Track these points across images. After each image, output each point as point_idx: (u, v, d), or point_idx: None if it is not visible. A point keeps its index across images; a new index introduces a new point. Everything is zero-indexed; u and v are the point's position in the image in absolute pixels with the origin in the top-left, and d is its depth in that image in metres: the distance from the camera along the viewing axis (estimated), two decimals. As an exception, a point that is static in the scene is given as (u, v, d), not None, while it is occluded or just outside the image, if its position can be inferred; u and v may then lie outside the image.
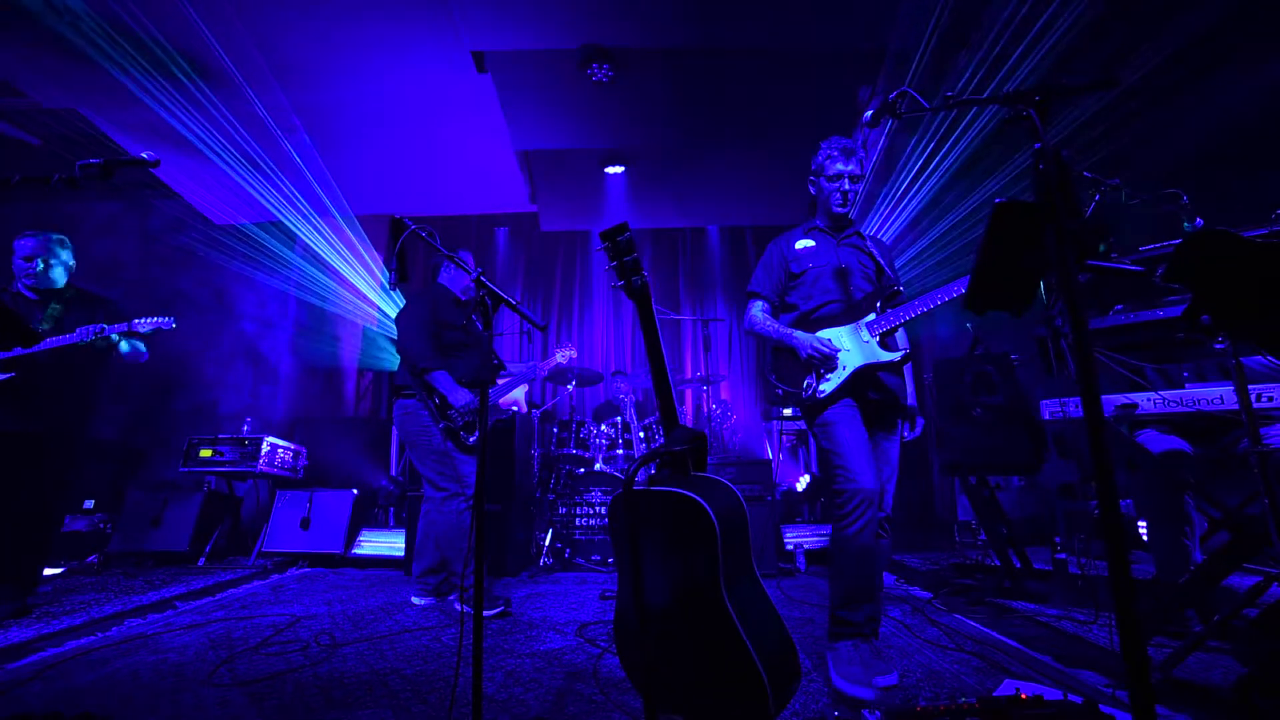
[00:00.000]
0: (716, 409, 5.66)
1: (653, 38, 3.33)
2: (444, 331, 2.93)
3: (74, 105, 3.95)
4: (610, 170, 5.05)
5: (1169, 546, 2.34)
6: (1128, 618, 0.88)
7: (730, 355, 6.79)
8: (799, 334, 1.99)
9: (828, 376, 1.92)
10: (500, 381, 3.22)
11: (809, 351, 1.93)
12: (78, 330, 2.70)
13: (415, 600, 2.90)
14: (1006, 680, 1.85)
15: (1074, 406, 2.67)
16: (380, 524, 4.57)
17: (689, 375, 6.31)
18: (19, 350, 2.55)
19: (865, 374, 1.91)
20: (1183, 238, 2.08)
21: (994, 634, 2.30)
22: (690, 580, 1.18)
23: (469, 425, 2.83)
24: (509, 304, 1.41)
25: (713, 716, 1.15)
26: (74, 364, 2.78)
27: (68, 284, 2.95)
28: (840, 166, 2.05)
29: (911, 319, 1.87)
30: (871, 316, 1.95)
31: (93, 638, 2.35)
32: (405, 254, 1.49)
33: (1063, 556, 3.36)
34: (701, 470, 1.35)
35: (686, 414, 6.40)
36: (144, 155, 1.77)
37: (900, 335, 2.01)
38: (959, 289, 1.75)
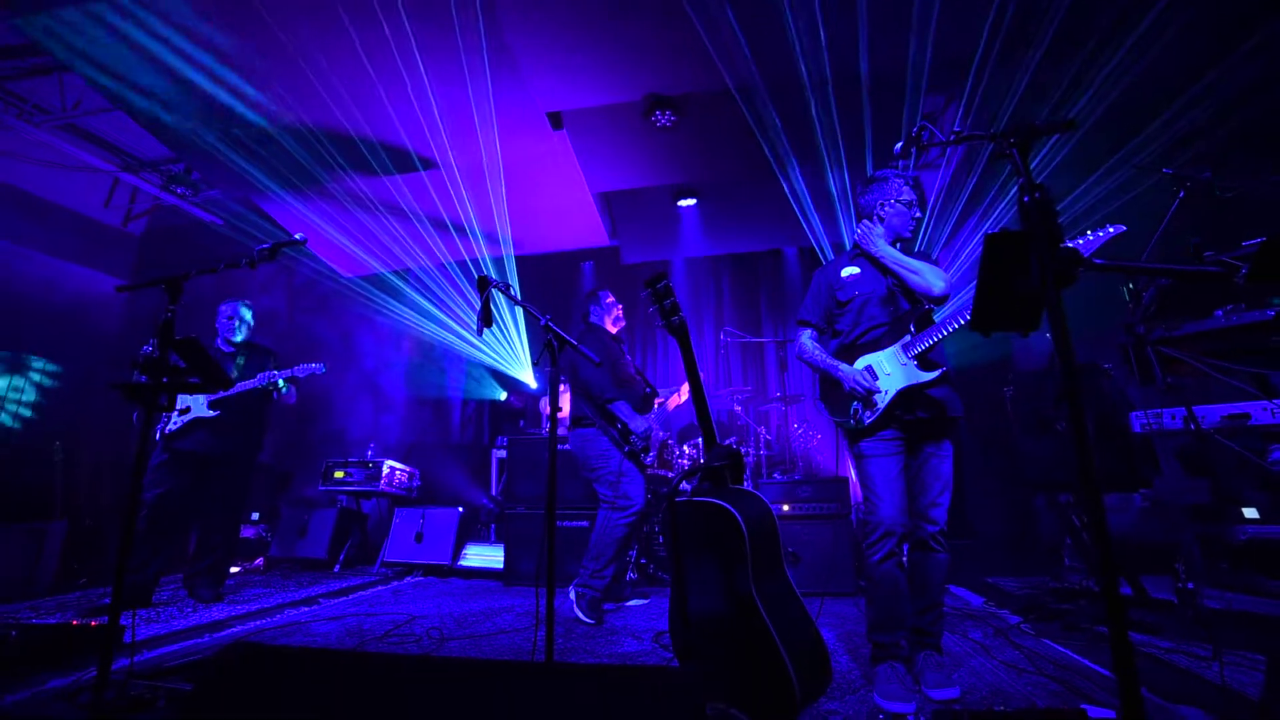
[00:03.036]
0: (798, 428, 5.65)
1: (705, 83, 3.59)
2: (617, 366, 3.24)
3: (247, 195, 4.89)
4: (683, 203, 5.33)
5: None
6: (1119, 631, 0.94)
7: (814, 375, 6.71)
8: (843, 367, 2.07)
9: (875, 403, 1.99)
10: (656, 407, 3.52)
11: (850, 385, 2.02)
12: (258, 376, 3.38)
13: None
14: (1084, 705, 1.79)
15: (1170, 418, 2.50)
16: (482, 539, 5.03)
17: (772, 395, 6.33)
18: (222, 393, 3.28)
19: (909, 394, 1.97)
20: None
21: (1083, 660, 2.18)
22: (726, 577, 1.35)
23: (646, 449, 3.14)
24: (572, 345, 1.67)
25: (746, 700, 1.30)
26: (250, 402, 3.47)
27: (247, 339, 3.70)
28: (907, 194, 2.14)
29: (945, 336, 1.92)
30: (907, 338, 2.01)
31: (264, 620, 2.99)
32: (489, 305, 1.81)
33: (1190, 586, 3.03)
34: (738, 484, 1.52)
35: (769, 434, 6.40)
36: (298, 236, 2.27)
37: (939, 352, 2.03)
38: None
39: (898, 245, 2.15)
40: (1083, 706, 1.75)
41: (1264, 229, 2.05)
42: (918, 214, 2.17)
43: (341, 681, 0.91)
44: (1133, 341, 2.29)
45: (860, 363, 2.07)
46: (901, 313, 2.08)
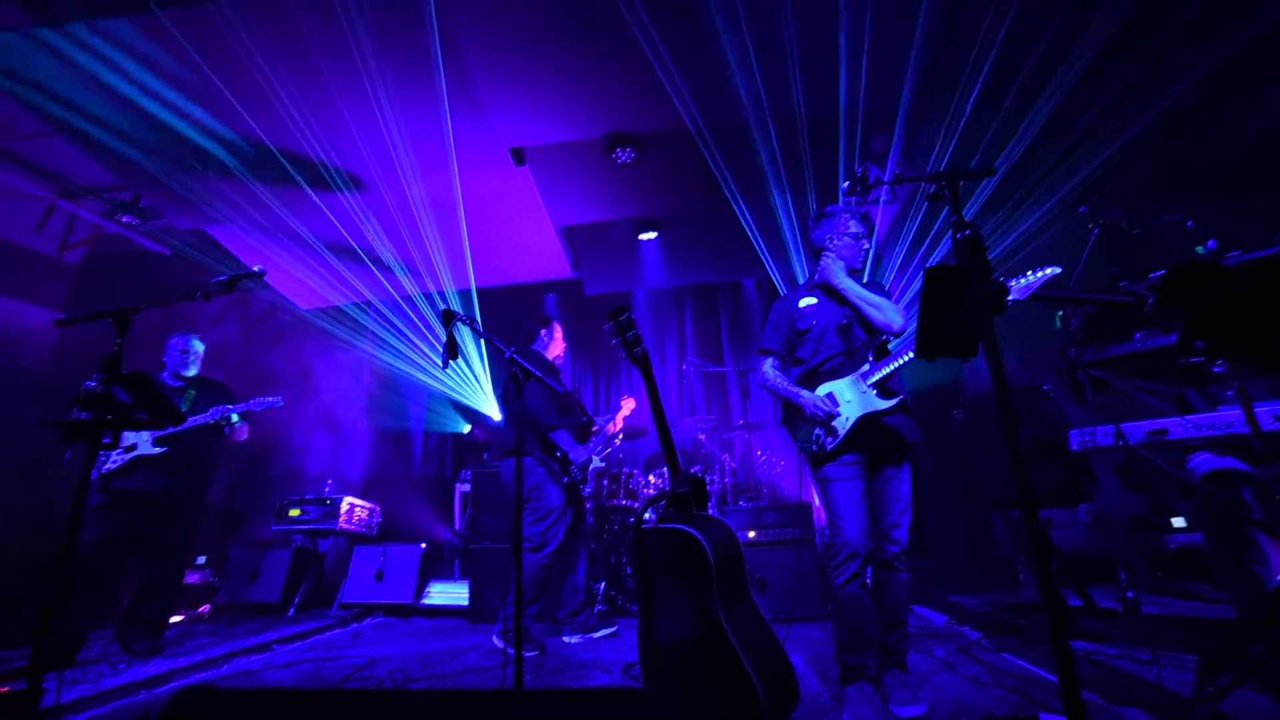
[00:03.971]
0: (762, 455, 5.73)
1: (663, 122, 3.75)
2: (556, 394, 3.25)
3: (200, 225, 4.76)
4: (644, 236, 5.46)
5: (1233, 576, 2.23)
6: (1059, 634, 1.01)
7: (775, 403, 6.86)
8: (804, 394, 2.14)
9: (835, 429, 2.06)
10: (594, 436, 3.51)
11: (812, 410, 2.09)
12: (210, 410, 3.23)
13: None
14: (1043, 714, 1.86)
15: (1102, 435, 2.67)
16: (446, 575, 4.86)
17: (736, 423, 6.42)
18: (171, 429, 3.12)
19: (867, 421, 2.05)
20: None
21: (1039, 671, 2.27)
22: (693, 602, 1.37)
23: (584, 480, 3.12)
24: (536, 377, 1.70)
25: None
26: (200, 438, 3.32)
27: (198, 373, 3.55)
28: (855, 227, 2.27)
29: (901, 365, 2.02)
30: (866, 367, 2.10)
31: (210, 672, 2.81)
32: (454, 339, 1.82)
33: (1131, 595, 3.20)
34: (703, 509, 1.55)
35: (733, 461, 6.47)
36: (255, 268, 2.24)
37: (898, 380, 2.12)
38: None
39: (851, 276, 2.27)
40: (1039, 714, 1.83)
41: (1165, 263, 2.28)
42: (866, 245, 2.30)
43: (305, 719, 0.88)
44: (1065, 365, 2.46)
45: (822, 389, 2.14)
46: (859, 342, 2.17)
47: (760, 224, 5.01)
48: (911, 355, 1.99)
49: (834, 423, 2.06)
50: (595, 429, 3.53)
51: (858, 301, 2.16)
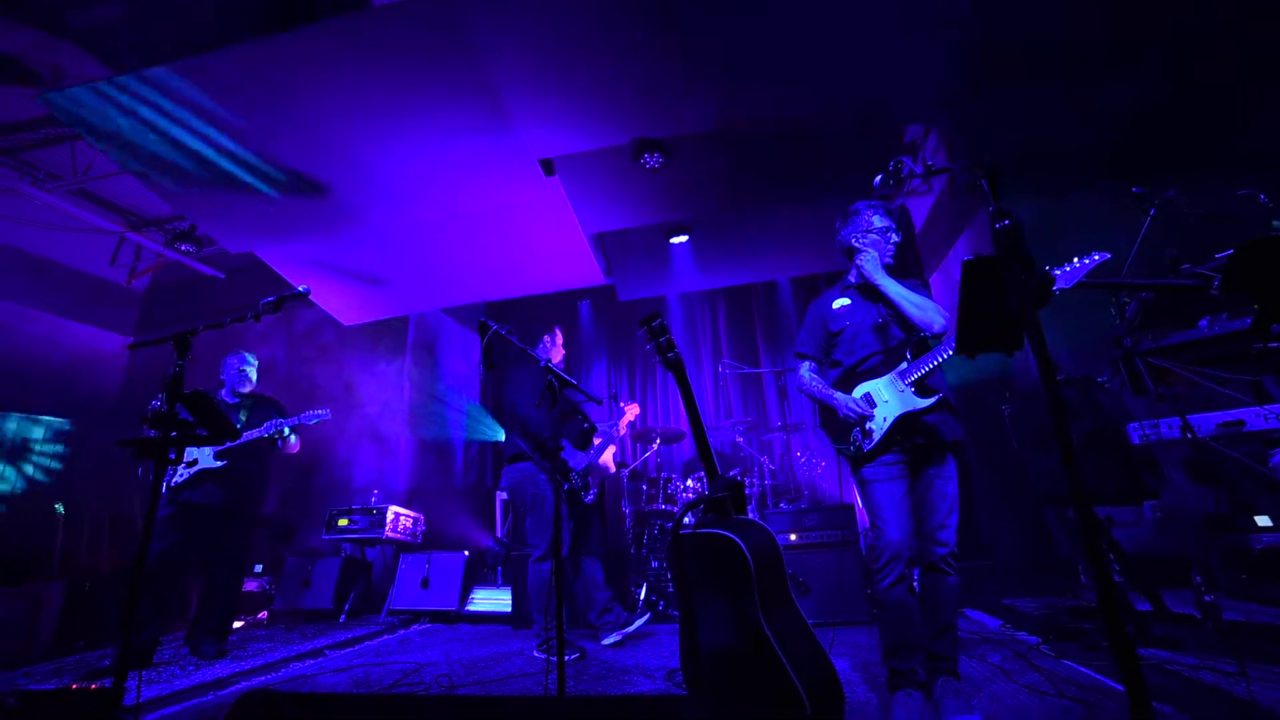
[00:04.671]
0: (801, 456, 5.64)
1: (691, 126, 3.74)
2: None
3: (249, 249, 5.01)
4: (675, 240, 5.45)
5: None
6: (1117, 635, 0.96)
7: (814, 404, 6.72)
8: (838, 395, 2.13)
9: (871, 430, 2.04)
10: (596, 442, 3.54)
11: (845, 412, 2.08)
12: (264, 425, 3.40)
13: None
14: (1108, 725, 1.76)
15: (1166, 427, 2.52)
16: (489, 582, 4.95)
17: (774, 424, 6.33)
18: (229, 444, 3.30)
19: (906, 421, 2.01)
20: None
21: (1105, 680, 2.15)
22: (733, 607, 1.35)
23: (586, 486, 3.13)
24: (572, 384, 1.72)
25: (762, 732, 1.29)
26: (256, 452, 3.49)
27: (253, 390, 3.74)
28: (879, 222, 2.22)
29: (940, 362, 1.97)
30: (903, 365, 2.06)
31: (270, 675, 2.93)
32: (491, 348, 1.87)
33: (1209, 599, 2.98)
34: (741, 513, 1.53)
35: (772, 463, 6.39)
36: (301, 288, 2.34)
37: (938, 378, 2.07)
38: None
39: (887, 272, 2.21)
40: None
41: (1234, 242, 2.13)
42: (895, 239, 2.22)
43: (357, 726, 0.91)
44: (1121, 354, 2.33)
45: (859, 390, 2.12)
46: (896, 341, 2.13)
47: (801, 218, 4.95)
48: (951, 352, 1.93)
49: (871, 424, 2.04)
50: (598, 438, 3.54)
51: (897, 299, 2.10)
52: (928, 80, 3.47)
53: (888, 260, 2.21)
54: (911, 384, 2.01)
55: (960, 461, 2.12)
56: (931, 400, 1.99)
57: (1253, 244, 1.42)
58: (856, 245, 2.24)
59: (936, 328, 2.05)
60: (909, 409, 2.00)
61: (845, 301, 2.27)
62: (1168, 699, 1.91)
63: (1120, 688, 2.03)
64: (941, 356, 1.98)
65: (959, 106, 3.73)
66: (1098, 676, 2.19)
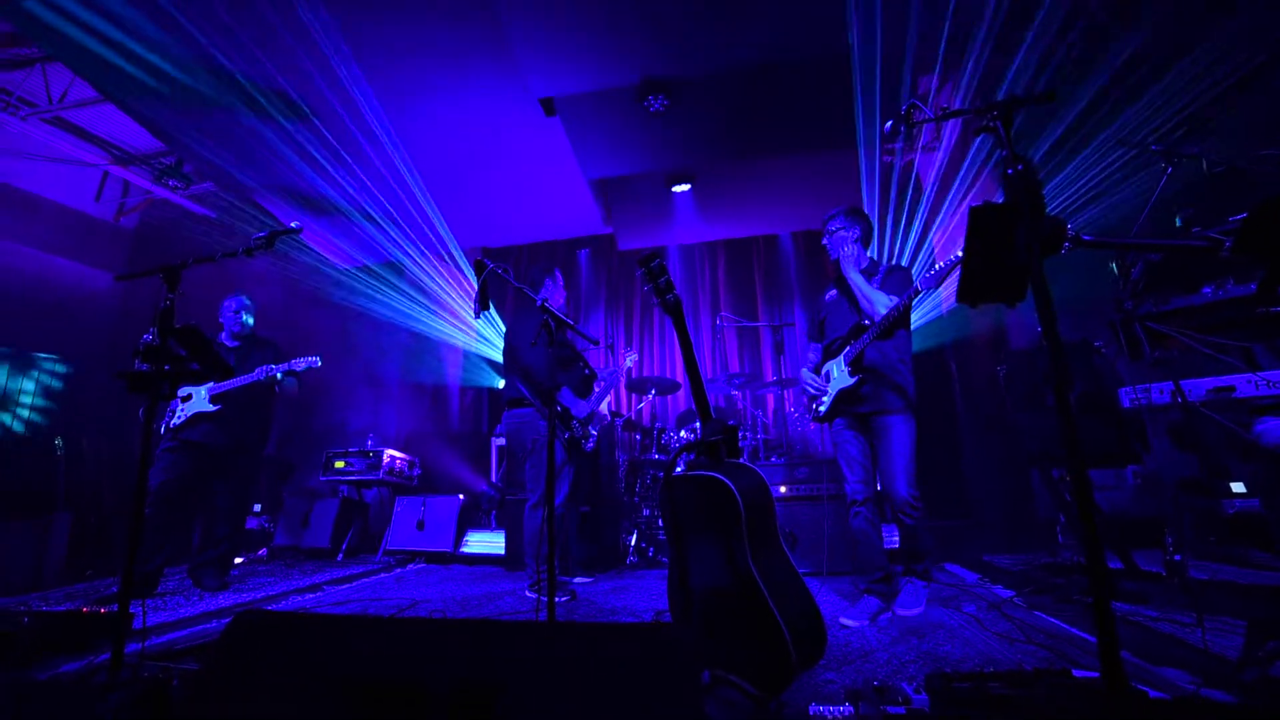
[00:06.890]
0: (794, 412, 5.69)
1: (699, 67, 3.58)
2: (556, 347, 3.25)
3: (242, 189, 4.88)
4: (677, 189, 5.32)
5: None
6: (1099, 584, 0.98)
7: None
8: (803, 372, 2.72)
9: (822, 402, 2.61)
10: (596, 389, 3.53)
11: (802, 386, 2.70)
12: (256, 370, 3.38)
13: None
14: (1075, 670, 1.84)
15: (1158, 393, 2.53)
16: (483, 525, 5.08)
17: (769, 379, 6.36)
18: (221, 387, 3.32)
19: (844, 394, 2.51)
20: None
21: (1072, 630, 2.24)
22: (722, 550, 1.38)
23: (586, 436, 3.15)
24: (570, 326, 1.70)
25: (743, 668, 1.34)
26: (254, 395, 3.49)
27: (251, 331, 3.71)
28: (851, 231, 2.63)
29: (862, 347, 2.44)
30: (848, 348, 2.51)
31: (270, 607, 3.03)
32: (486, 288, 1.83)
33: (1178, 558, 3.08)
34: (734, 457, 1.55)
35: (766, 418, 6.47)
36: (293, 224, 2.27)
37: (900, 350, 2.49)
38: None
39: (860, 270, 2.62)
40: (1071, 670, 1.80)
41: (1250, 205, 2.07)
42: (856, 235, 2.62)
43: (353, 643, 0.95)
44: (1121, 318, 2.31)
45: (826, 367, 2.62)
46: (850, 326, 2.55)
47: (806, 170, 4.82)
48: (872, 335, 2.40)
49: (824, 396, 2.58)
50: (598, 384, 3.52)
51: (855, 290, 2.52)
52: (939, 23, 3.32)
53: (863, 264, 2.63)
54: (849, 364, 2.46)
55: (915, 423, 2.47)
56: (854, 380, 2.45)
57: (1267, 203, 1.38)
58: (833, 247, 2.67)
59: (875, 315, 2.41)
60: (842, 386, 2.50)
61: (833, 293, 2.74)
62: (1130, 647, 2.01)
63: (1089, 637, 2.13)
64: (865, 340, 2.41)
65: (968, 52, 3.57)
66: (1066, 626, 2.28)
